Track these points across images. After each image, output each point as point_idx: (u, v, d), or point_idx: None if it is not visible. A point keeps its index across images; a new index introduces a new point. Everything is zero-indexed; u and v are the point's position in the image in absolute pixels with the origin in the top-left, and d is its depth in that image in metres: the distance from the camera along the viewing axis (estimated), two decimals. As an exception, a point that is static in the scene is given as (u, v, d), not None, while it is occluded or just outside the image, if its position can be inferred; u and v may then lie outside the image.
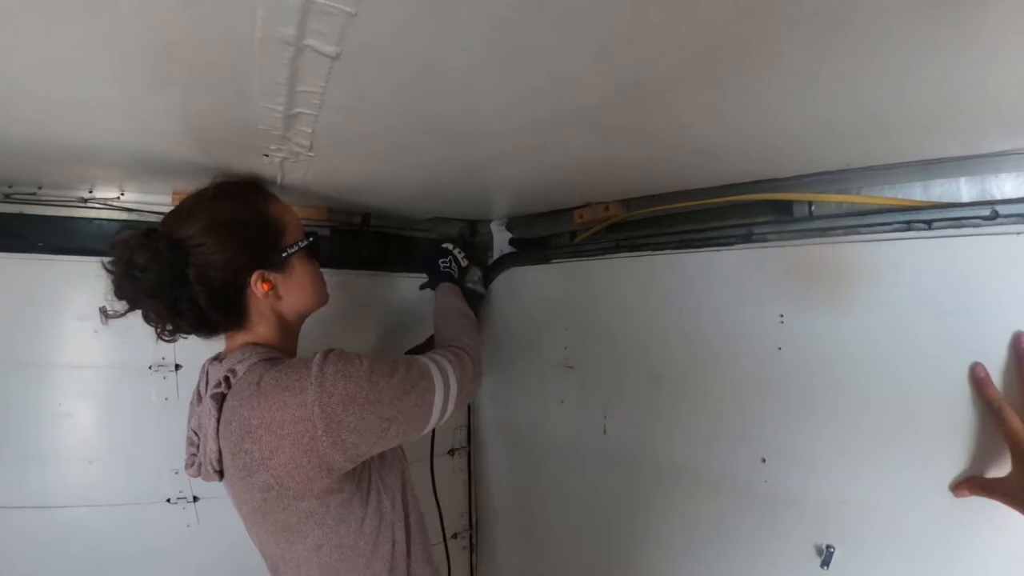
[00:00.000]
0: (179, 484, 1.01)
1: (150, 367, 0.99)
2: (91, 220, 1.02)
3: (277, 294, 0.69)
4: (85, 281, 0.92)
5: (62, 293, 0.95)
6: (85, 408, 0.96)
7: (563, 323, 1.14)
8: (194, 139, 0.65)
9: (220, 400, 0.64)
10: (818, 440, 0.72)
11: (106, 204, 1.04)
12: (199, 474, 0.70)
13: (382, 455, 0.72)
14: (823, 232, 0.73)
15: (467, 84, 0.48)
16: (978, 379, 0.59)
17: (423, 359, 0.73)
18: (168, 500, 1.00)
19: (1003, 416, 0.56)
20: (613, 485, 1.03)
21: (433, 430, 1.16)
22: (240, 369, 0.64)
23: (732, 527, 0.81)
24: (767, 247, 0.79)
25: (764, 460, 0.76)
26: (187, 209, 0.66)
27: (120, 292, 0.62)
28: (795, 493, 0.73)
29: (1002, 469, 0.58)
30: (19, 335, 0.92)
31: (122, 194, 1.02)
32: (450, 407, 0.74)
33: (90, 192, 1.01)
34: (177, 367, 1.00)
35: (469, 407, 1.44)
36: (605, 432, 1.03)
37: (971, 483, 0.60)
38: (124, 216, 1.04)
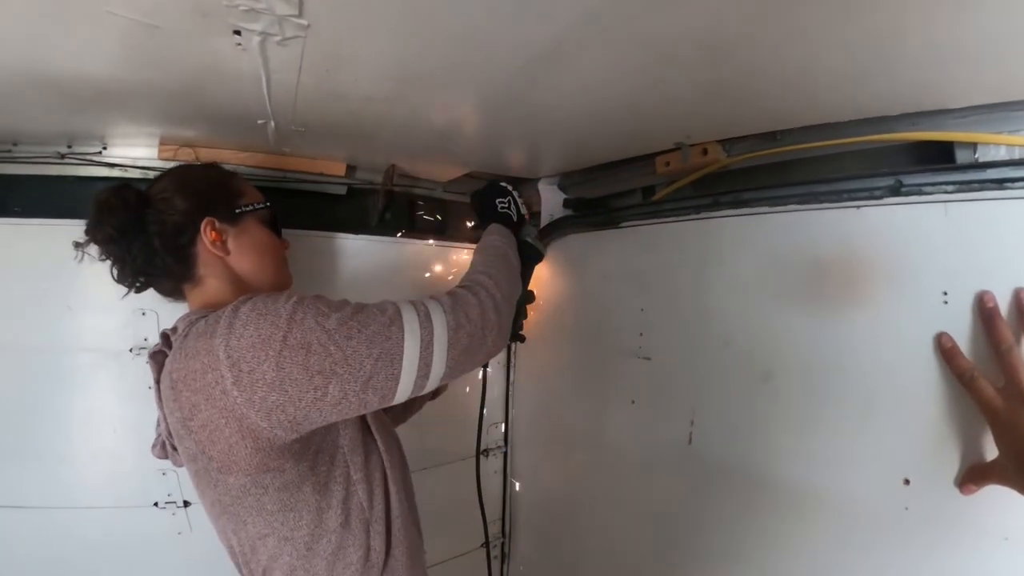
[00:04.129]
0: (167, 486, 0.87)
1: (131, 349, 0.85)
2: (72, 179, 0.90)
3: (226, 248, 0.66)
4: (60, 250, 0.77)
5: (34, 263, 0.83)
6: (58, 397, 0.84)
7: (638, 303, 0.94)
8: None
9: (161, 360, 0.60)
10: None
11: (86, 159, 0.93)
12: (164, 455, 0.67)
13: (356, 439, 0.62)
14: (999, 184, 0.57)
15: None
16: (946, 350, 0.57)
17: (396, 300, 0.59)
18: (156, 504, 0.88)
19: (975, 386, 0.54)
20: (699, 505, 0.85)
21: (480, 425, 1.02)
22: (181, 325, 0.60)
23: (856, 560, 0.67)
24: (923, 203, 0.62)
25: (908, 482, 0.62)
26: (164, 173, 0.70)
27: (89, 232, 0.63)
28: (944, 522, 0.60)
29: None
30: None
31: (104, 148, 0.91)
32: (439, 364, 0.57)
33: (69, 147, 0.90)
34: (162, 349, 0.86)
35: (507, 400, 1.26)
36: (691, 442, 0.85)
37: (971, 474, 0.56)
38: (106, 172, 0.91)
